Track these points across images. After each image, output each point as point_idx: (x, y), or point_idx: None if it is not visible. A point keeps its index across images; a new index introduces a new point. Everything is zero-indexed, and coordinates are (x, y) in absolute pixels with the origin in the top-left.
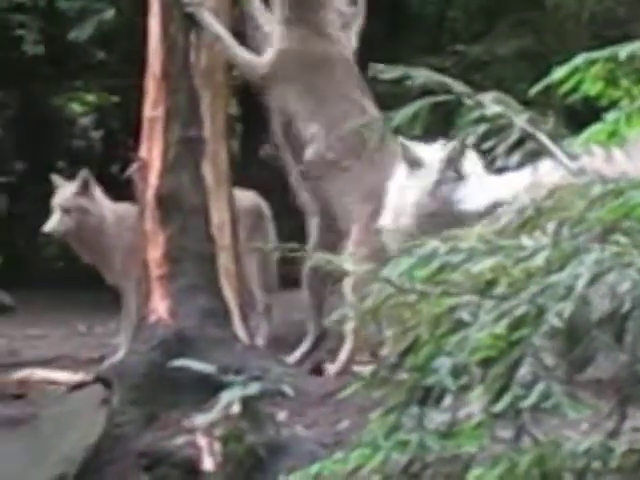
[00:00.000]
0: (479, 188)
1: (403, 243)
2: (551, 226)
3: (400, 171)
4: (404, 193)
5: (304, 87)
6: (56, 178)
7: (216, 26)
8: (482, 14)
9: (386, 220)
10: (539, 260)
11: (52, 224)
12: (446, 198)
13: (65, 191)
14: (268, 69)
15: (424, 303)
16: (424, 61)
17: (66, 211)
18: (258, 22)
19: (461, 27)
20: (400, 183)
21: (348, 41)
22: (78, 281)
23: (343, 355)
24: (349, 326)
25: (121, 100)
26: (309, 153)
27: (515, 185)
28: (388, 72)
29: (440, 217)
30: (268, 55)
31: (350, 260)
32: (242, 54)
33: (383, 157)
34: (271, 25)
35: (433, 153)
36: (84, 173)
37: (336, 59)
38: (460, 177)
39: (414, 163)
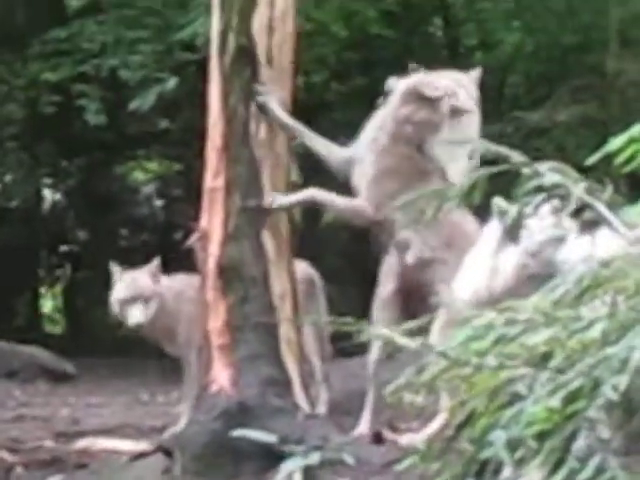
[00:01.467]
0: (579, 248)
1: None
2: (608, 296)
3: (486, 240)
4: (496, 258)
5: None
6: (116, 269)
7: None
8: (543, 80)
9: (466, 293)
10: (595, 332)
11: (138, 316)
12: (548, 260)
13: (138, 280)
14: (374, 210)
15: (480, 376)
16: (484, 128)
17: (146, 300)
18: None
19: (522, 93)
20: (485, 251)
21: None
22: (141, 349)
23: (432, 428)
24: (444, 402)
25: (183, 168)
26: (409, 258)
27: (611, 244)
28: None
29: (540, 279)
30: (369, 193)
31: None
32: (341, 203)
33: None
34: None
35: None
36: (157, 261)
37: (432, 175)
38: (561, 239)
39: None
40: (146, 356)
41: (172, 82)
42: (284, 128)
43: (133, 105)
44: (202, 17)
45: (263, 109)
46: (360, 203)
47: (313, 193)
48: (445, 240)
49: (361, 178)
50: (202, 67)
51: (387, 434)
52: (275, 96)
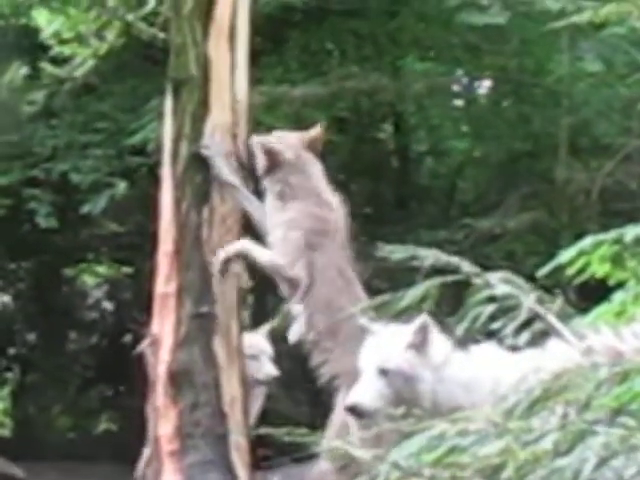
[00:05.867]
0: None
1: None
2: (559, 408)
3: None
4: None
5: (306, 263)
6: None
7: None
8: (492, 187)
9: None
10: (547, 443)
11: None
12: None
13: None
14: (287, 263)
15: None
16: (434, 234)
17: None
18: None
19: (471, 200)
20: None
21: (339, 206)
22: (90, 453)
23: None
24: None
25: (133, 271)
26: (292, 333)
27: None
28: (397, 252)
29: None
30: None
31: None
32: (267, 256)
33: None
34: None
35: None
36: None
37: (333, 229)
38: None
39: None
40: (95, 460)
41: (122, 186)
42: (225, 185)
43: (84, 209)
44: (153, 122)
45: (208, 161)
46: (278, 258)
47: (244, 244)
48: (332, 327)
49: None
50: (152, 171)
51: None
52: (221, 153)
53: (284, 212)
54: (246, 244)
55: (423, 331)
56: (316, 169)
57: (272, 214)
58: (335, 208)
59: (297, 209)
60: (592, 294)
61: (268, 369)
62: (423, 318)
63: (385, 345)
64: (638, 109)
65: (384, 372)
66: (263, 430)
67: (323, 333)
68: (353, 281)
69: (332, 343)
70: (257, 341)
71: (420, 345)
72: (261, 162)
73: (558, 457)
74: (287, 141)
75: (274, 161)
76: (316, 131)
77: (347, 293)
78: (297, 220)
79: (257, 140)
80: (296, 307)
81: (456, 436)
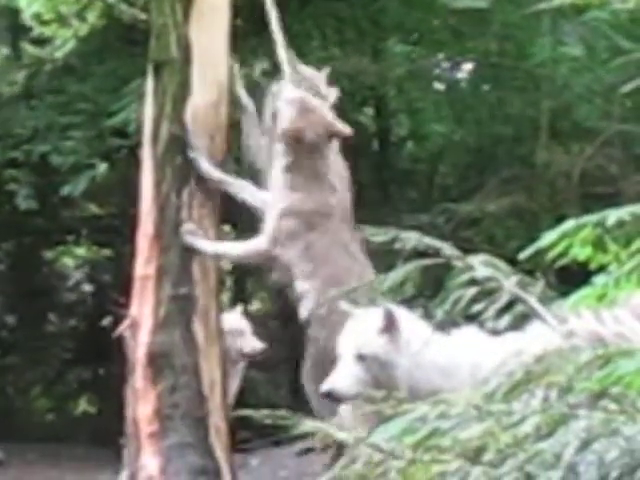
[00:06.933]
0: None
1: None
2: (540, 391)
3: None
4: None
5: (304, 245)
6: None
7: (211, 245)
8: (473, 171)
9: None
10: (528, 426)
11: None
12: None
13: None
14: (268, 243)
15: (413, 469)
16: (415, 218)
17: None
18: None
19: (452, 183)
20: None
21: (345, 187)
22: (69, 435)
23: None
24: None
25: (112, 254)
26: (301, 311)
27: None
28: (379, 235)
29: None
30: (267, 228)
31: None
32: (239, 249)
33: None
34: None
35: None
36: None
37: (335, 211)
38: None
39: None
40: (75, 442)
41: (103, 168)
42: (213, 180)
43: (64, 191)
44: (134, 104)
45: (193, 163)
46: (256, 241)
47: (217, 248)
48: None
49: (267, 216)
50: (133, 152)
51: None
52: (204, 154)
53: (289, 190)
54: (219, 248)
55: (389, 318)
56: (330, 151)
57: (276, 184)
58: (338, 191)
59: (300, 191)
60: (573, 278)
61: (254, 343)
62: (384, 306)
63: (362, 330)
64: (619, 93)
65: (361, 357)
66: (242, 413)
67: (331, 308)
68: (358, 256)
69: (338, 317)
70: (236, 318)
71: (389, 331)
72: (284, 122)
73: (539, 440)
74: (314, 118)
75: (293, 137)
76: (346, 129)
77: (353, 269)
78: (297, 204)
79: (290, 101)
80: (301, 285)
81: (437, 419)
